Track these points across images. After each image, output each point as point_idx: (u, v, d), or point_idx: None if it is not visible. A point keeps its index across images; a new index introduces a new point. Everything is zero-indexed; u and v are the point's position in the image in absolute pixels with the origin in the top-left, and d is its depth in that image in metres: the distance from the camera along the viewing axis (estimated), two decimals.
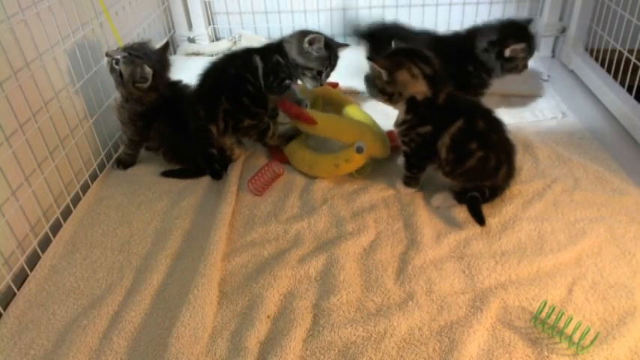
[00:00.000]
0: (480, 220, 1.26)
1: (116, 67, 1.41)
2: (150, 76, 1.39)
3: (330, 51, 1.53)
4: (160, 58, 1.47)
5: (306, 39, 1.48)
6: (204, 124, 1.45)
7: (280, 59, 1.51)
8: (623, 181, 1.41)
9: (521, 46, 1.54)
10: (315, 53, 1.51)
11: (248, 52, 1.52)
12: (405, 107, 1.29)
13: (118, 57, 1.40)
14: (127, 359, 1.02)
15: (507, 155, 1.30)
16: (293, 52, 1.52)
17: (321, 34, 1.52)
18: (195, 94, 1.49)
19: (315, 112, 1.53)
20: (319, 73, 1.55)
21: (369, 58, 1.28)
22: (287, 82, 1.52)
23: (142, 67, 1.39)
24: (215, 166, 1.48)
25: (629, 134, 1.60)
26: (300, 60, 1.52)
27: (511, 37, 1.55)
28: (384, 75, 1.25)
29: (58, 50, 1.42)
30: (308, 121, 1.48)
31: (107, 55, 1.42)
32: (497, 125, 1.30)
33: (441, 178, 1.35)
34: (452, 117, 1.26)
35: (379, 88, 1.28)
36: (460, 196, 1.33)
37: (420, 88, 1.25)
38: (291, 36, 1.54)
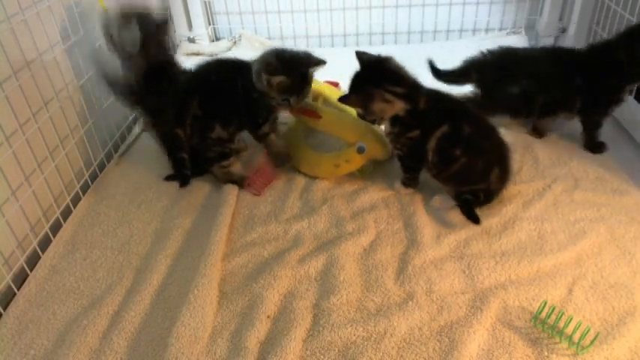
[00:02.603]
0: (474, 219, 1.26)
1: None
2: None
3: (294, 80, 1.33)
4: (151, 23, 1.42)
5: (264, 76, 1.32)
6: (171, 127, 1.42)
7: (255, 94, 1.38)
8: (623, 181, 1.41)
9: None
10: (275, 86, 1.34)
11: (231, 72, 1.41)
12: (390, 122, 1.31)
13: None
14: (127, 359, 1.02)
15: (500, 158, 1.30)
16: (255, 80, 1.36)
17: (285, 55, 1.34)
18: (170, 96, 1.44)
19: (320, 106, 1.52)
20: (285, 100, 1.38)
21: (340, 100, 1.27)
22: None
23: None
24: (185, 172, 1.45)
25: (629, 134, 1.60)
26: (262, 88, 1.35)
27: None
28: (361, 112, 1.29)
29: (58, 50, 1.42)
30: (312, 115, 1.47)
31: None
32: (488, 130, 1.30)
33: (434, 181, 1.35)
34: (438, 120, 1.27)
35: (361, 116, 1.32)
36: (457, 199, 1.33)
37: (397, 108, 1.26)
38: (256, 60, 1.37)
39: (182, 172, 1.47)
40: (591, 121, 1.54)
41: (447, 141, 1.26)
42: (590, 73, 1.46)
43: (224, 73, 1.42)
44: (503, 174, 1.32)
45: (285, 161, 1.50)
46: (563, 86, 1.49)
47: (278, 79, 1.31)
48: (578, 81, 1.47)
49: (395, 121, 1.29)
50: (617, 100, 1.49)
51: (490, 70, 1.58)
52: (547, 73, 1.51)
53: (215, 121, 1.41)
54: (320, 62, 1.36)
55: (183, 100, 1.41)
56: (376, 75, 1.27)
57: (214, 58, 1.51)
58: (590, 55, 1.49)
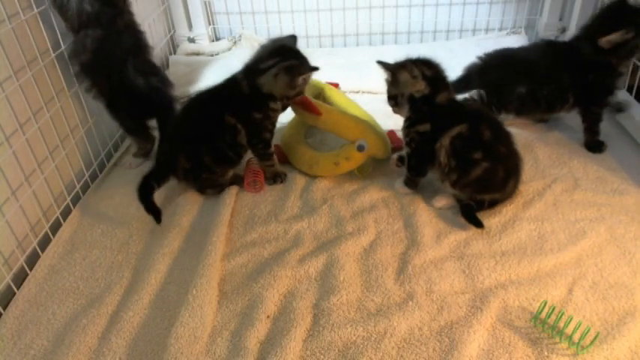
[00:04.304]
0: (478, 224, 1.26)
1: None
2: None
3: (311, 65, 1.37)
4: None
5: (301, 78, 1.33)
6: (162, 171, 1.38)
7: (258, 115, 1.36)
8: (623, 181, 1.41)
9: (616, 36, 1.36)
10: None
11: (217, 107, 1.36)
12: (408, 106, 1.32)
13: None
14: (126, 359, 1.02)
15: (516, 168, 1.30)
16: (280, 88, 1.34)
17: (291, 50, 1.36)
18: (165, 139, 1.43)
19: (320, 103, 1.51)
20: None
21: (378, 62, 1.34)
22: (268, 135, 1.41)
23: None
24: (150, 205, 1.34)
25: (629, 134, 1.60)
26: (291, 92, 1.36)
27: (602, 27, 1.39)
28: (388, 75, 1.33)
29: (58, 50, 1.42)
30: (313, 111, 1.46)
31: None
32: (506, 137, 1.29)
33: (448, 190, 1.33)
34: (454, 119, 1.27)
35: (387, 93, 1.35)
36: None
37: (418, 87, 1.29)
38: (270, 74, 1.32)
39: (147, 203, 1.34)
40: (590, 113, 1.54)
41: (464, 143, 1.25)
42: (576, 67, 1.48)
43: (207, 112, 1.36)
44: (517, 183, 1.32)
45: (281, 180, 1.48)
46: (556, 80, 1.50)
47: (311, 72, 1.34)
48: (567, 75, 1.49)
49: (411, 105, 1.31)
50: (608, 89, 1.49)
51: (491, 71, 1.59)
52: (541, 68, 1.52)
53: (202, 171, 1.39)
54: (295, 36, 1.43)
55: (169, 156, 1.38)
56: (416, 59, 1.33)
57: (196, 95, 1.44)
58: (572, 48, 1.50)
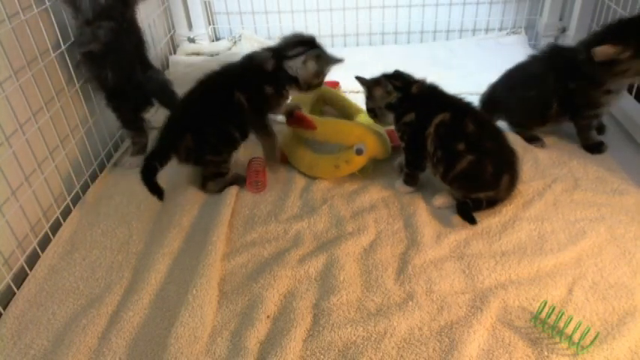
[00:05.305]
0: (471, 220, 1.26)
1: None
2: None
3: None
4: None
5: (328, 68, 1.42)
6: (165, 150, 1.37)
7: (269, 89, 1.39)
8: (623, 181, 1.41)
9: (610, 49, 1.29)
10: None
11: (227, 84, 1.38)
12: (388, 112, 1.39)
13: None
14: (126, 359, 1.02)
15: (509, 164, 1.30)
16: (307, 75, 1.39)
17: (310, 38, 1.42)
18: (170, 117, 1.42)
19: (313, 117, 1.52)
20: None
21: (356, 77, 1.43)
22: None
23: None
24: (154, 186, 1.35)
25: (629, 134, 1.60)
26: (315, 81, 1.41)
27: (603, 37, 1.34)
28: (365, 90, 1.42)
29: (58, 50, 1.42)
30: (309, 126, 1.47)
31: None
32: (494, 133, 1.30)
33: (443, 185, 1.34)
34: (437, 107, 1.31)
35: (366, 106, 1.45)
36: None
37: (391, 98, 1.37)
38: (300, 60, 1.37)
39: (151, 184, 1.35)
40: (575, 122, 1.54)
41: (447, 131, 1.27)
42: (564, 71, 1.46)
43: (217, 91, 1.38)
44: (513, 182, 1.32)
45: (279, 158, 1.51)
46: (544, 83, 1.49)
47: (337, 63, 1.42)
48: (553, 78, 1.48)
49: (390, 107, 1.38)
50: (590, 102, 1.46)
51: (503, 84, 1.60)
52: (536, 73, 1.52)
53: (207, 151, 1.39)
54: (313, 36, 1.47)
55: (175, 134, 1.37)
56: (391, 75, 1.42)
57: (206, 75, 1.41)
58: (571, 52, 1.47)
